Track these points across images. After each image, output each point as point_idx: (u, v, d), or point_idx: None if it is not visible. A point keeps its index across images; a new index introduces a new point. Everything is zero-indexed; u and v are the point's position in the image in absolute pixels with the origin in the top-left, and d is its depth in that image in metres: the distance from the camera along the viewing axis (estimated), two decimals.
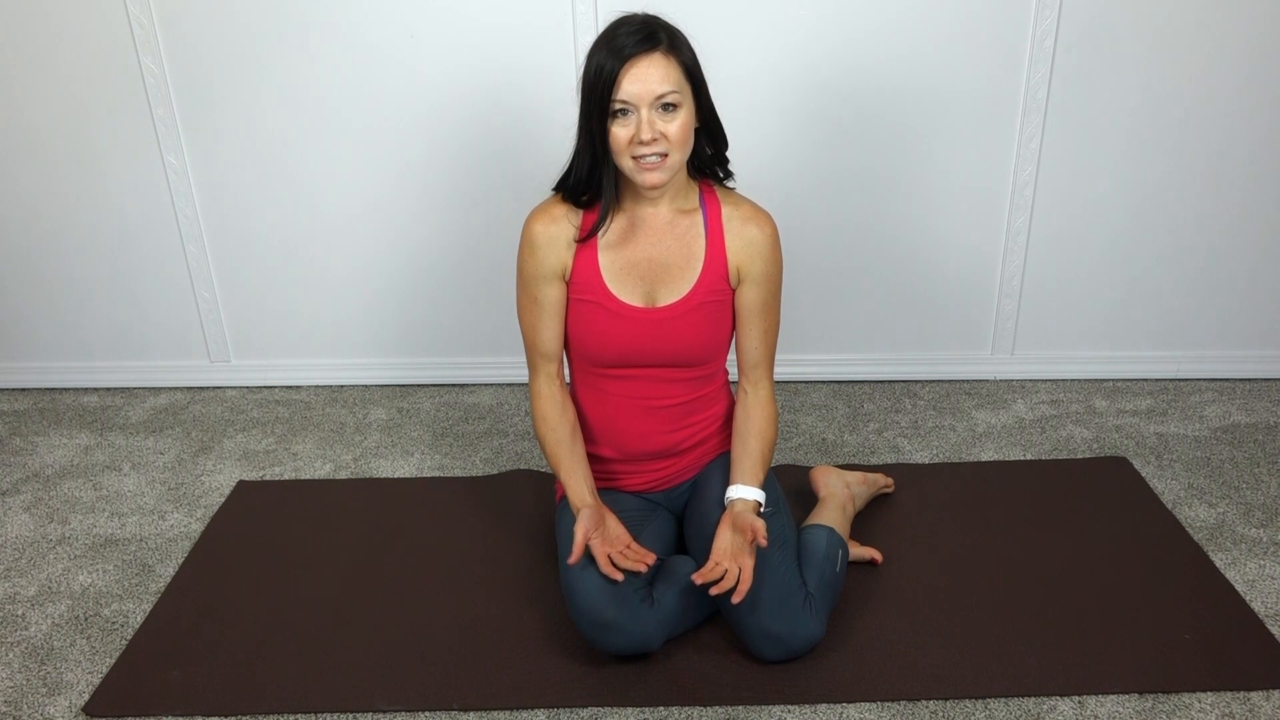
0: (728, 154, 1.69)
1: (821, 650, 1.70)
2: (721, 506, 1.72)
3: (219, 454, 2.42)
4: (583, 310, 1.69)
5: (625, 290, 1.67)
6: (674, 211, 1.67)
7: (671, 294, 1.68)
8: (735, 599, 1.57)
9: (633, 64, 1.50)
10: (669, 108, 1.52)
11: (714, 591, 1.58)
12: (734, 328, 1.75)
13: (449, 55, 2.36)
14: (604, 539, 1.64)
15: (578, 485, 1.71)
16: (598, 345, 1.70)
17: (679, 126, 1.53)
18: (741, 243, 1.67)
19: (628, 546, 1.65)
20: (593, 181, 1.62)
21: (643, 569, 1.61)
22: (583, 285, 1.68)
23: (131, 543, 2.09)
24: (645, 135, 1.51)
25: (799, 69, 2.35)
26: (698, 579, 1.60)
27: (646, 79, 1.50)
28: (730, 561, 1.60)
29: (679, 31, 1.56)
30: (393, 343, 2.70)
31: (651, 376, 1.73)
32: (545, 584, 1.89)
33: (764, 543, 1.59)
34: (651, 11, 1.57)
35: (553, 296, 1.70)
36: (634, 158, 1.54)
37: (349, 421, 2.56)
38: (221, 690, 1.67)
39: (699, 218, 1.68)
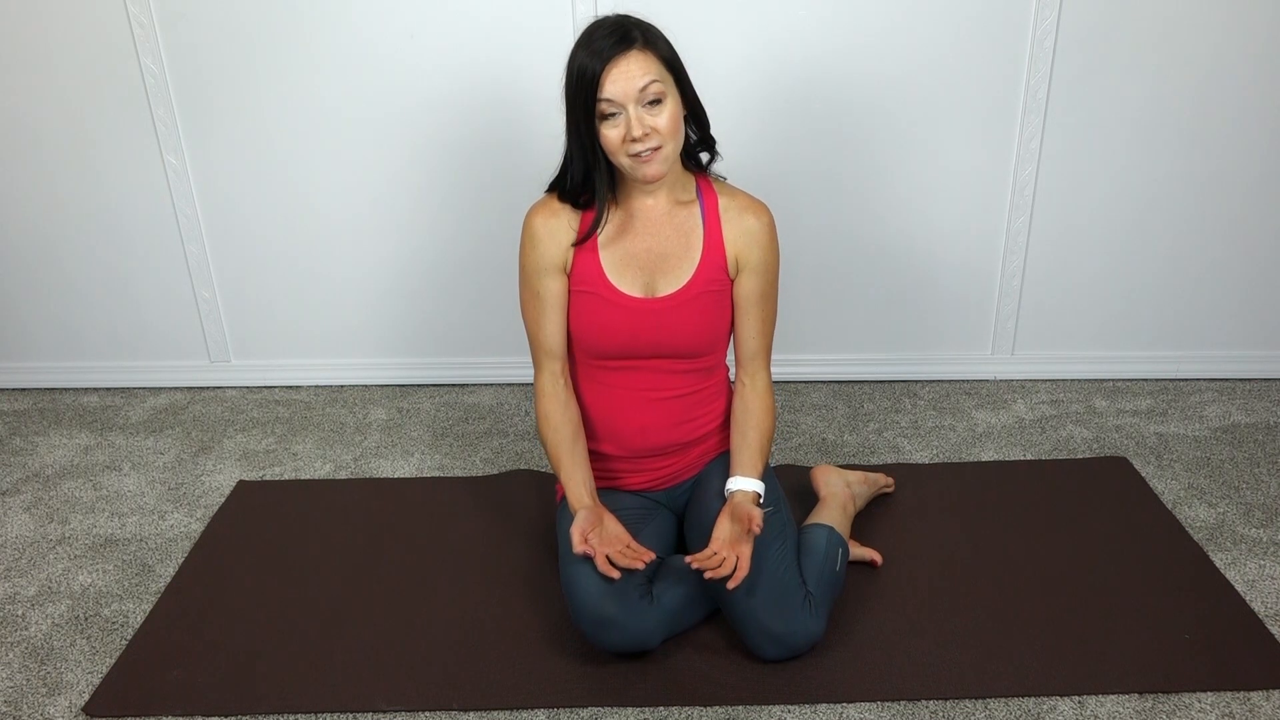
0: (713, 134, 1.69)
1: (821, 650, 1.70)
2: (722, 501, 1.73)
3: (219, 454, 2.42)
4: (582, 301, 1.70)
5: (624, 281, 1.68)
6: (671, 203, 1.69)
7: (670, 284, 1.68)
8: (731, 585, 1.58)
9: (613, 65, 1.52)
10: (655, 102, 1.54)
11: (709, 576, 1.58)
12: (733, 319, 1.75)
13: (449, 55, 2.36)
14: (601, 539, 1.64)
15: (577, 487, 1.71)
16: (598, 336, 1.71)
17: (668, 118, 1.55)
18: (739, 232, 1.69)
19: (626, 545, 1.65)
20: (587, 185, 1.64)
21: (640, 566, 1.61)
22: (582, 277, 1.69)
23: (131, 543, 2.09)
24: (636, 132, 1.53)
25: (798, 69, 2.35)
26: (691, 560, 1.60)
27: (629, 77, 1.52)
28: (728, 550, 1.61)
29: (652, 26, 1.58)
30: (393, 343, 2.70)
31: (652, 368, 1.73)
32: (545, 584, 1.89)
33: (758, 530, 1.61)
34: (639, 12, 1.59)
35: (554, 290, 1.71)
36: (630, 155, 1.56)
37: (349, 421, 2.56)
38: (221, 690, 1.67)
39: (696, 209, 1.70)
